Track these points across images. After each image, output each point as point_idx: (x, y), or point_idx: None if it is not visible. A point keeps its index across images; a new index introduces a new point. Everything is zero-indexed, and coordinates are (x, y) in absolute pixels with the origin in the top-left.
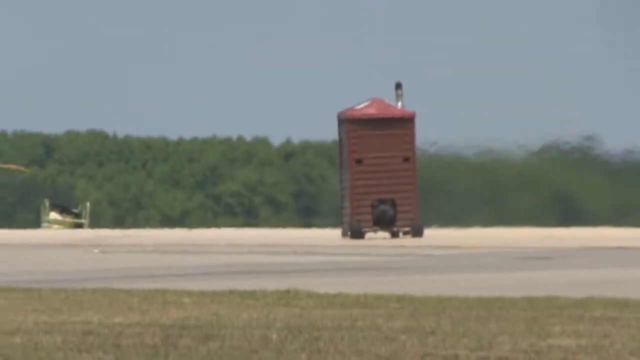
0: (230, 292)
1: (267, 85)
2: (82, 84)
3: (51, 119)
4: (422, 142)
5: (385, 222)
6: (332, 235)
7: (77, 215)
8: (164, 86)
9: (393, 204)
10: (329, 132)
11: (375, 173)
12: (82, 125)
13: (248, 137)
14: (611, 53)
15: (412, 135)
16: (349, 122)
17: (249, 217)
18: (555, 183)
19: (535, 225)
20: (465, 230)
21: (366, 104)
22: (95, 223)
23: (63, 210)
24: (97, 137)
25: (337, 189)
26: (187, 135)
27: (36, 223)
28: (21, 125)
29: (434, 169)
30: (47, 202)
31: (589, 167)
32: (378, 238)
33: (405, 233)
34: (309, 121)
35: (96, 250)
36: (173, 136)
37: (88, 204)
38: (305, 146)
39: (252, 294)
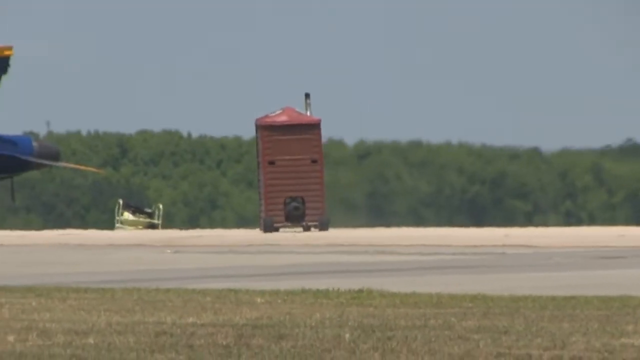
0: (303, 291)
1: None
2: (157, 83)
3: (125, 119)
4: None
5: (295, 218)
6: (406, 234)
7: (150, 215)
8: (239, 86)
9: (302, 201)
10: (403, 133)
11: (286, 173)
12: (156, 125)
13: (323, 138)
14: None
15: (319, 140)
16: (262, 128)
17: None
18: None
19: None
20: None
21: (279, 112)
22: (168, 223)
23: (136, 210)
24: (172, 136)
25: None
26: None
27: (110, 224)
28: (96, 125)
29: None
30: (120, 202)
31: None
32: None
33: (315, 227)
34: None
35: (169, 251)
36: (246, 136)
37: (160, 205)
38: (380, 146)
39: (325, 293)
